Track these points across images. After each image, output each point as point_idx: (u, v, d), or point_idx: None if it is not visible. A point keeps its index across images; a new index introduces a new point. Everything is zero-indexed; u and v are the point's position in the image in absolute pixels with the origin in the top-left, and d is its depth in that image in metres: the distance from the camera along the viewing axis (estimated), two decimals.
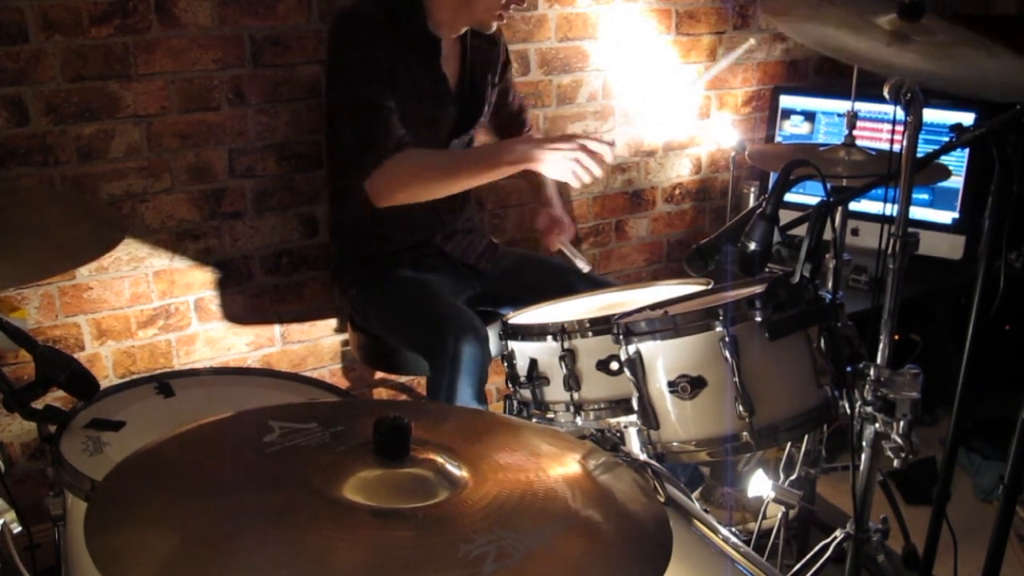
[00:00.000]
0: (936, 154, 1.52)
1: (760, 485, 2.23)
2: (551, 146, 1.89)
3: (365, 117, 1.96)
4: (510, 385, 1.69)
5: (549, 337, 1.57)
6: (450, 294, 2.13)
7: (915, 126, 1.46)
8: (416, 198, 2.00)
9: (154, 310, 2.33)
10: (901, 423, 1.41)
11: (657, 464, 1.42)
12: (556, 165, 1.89)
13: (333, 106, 2.09)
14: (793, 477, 2.08)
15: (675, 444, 1.43)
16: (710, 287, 1.68)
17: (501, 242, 2.40)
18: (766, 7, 1.78)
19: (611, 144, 1.90)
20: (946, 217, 2.80)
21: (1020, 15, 3.39)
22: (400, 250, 2.20)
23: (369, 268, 2.20)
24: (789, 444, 2.17)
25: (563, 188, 2.83)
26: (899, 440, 1.42)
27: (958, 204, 2.77)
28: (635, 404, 1.44)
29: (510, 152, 1.95)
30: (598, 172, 1.89)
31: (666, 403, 1.42)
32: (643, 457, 1.41)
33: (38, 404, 1.36)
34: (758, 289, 1.42)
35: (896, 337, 1.58)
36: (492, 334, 2.01)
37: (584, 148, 1.87)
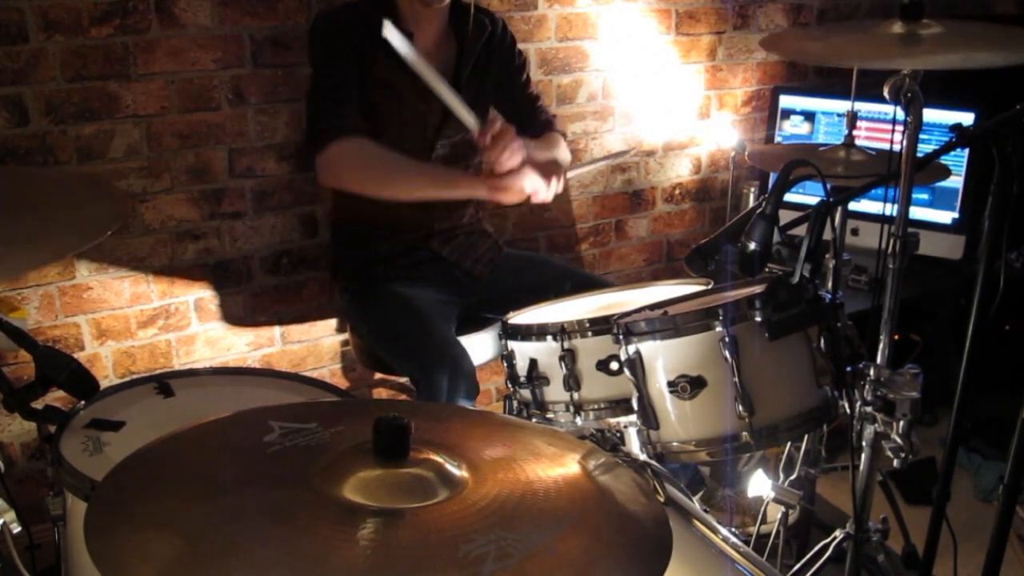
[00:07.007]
0: (936, 154, 1.52)
1: (760, 485, 2.23)
2: (504, 187, 2.00)
3: (327, 99, 2.02)
4: (510, 385, 1.69)
5: (549, 337, 1.57)
6: (443, 317, 2.10)
7: (915, 126, 1.46)
8: (362, 187, 2.04)
9: (154, 310, 2.33)
10: (901, 423, 1.41)
11: (657, 464, 1.42)
12: (509, 198, 2.05)
13: (307, 96, 2.12)
14: (793, 477, 2.08)
15: (675, 444, 1.43)
16: (710, 287, 1.68)
17: (502, 241, 2.38)
18: (764, 44, 1.79)
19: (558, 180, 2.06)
20: (946, 217, 2.80)
21: (1019, 15, 3.39)
22: (393, 255, 2.19)
23: (363, 275, 2.19)
24: (789, 444, 2.17)
25: (565, 189, 2.84)
26: (899, 440, 1.42)
27: (958, 204, 2.77)
28: (635, 404, 1.44)
29: (469, 184, 2.05)
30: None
31: (666, 403, 1.42)
32: (643, 457, 1.41)
33: (38, 404, 1.36)
34: (758, 289, 1.42)
35: (896, 337, 1.58)
36: (491, 337, 2.01)
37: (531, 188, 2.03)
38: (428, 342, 1.99)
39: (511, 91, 2.26)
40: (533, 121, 2.26)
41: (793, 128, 3.00)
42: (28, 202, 1.35)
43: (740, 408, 1.37)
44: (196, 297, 2.37)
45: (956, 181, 2.75)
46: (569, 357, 1.55)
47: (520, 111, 2.24)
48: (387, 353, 2.12)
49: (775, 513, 1.97)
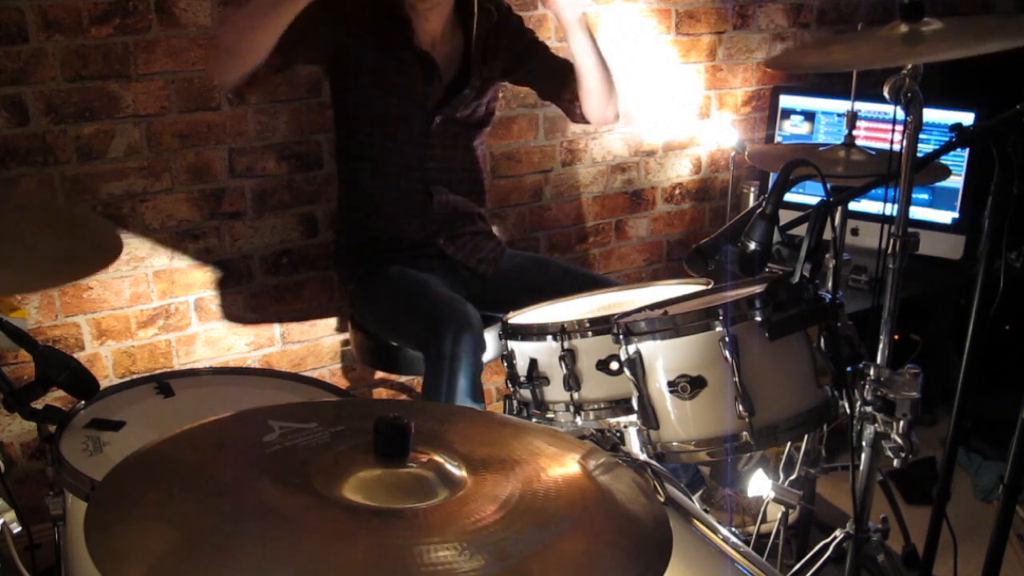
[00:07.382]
0: (936, 154, 1.52)
1: (760, 485, 2.23)
2: None
3: None
4: (510, 385, 1.69)
5: (549, 337, 1.57)
6: (447, 289, 2.12)
7: (915, 126, 1.46)
8: (243, 54, 1.86)
9: (154, 310, 2.33)
10: (901, 423, 1.41)
11: (657, 464, 1.42)
12: None
13: None
14: (793, 477, 2.08)
15: (675, 444, 1.43)
16: (710, 287, 1.68)
17: (503, 239, 2.39)
18: (770, 64, 1.78)
19: None
20: (946, 217, 2.80)
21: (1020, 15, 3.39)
22: (399, 248, 2.20)
23: (367, 261, 2.21)
24: (789, 444, 2.17)
25: (565, 189, 2.84)
26: (899, 440, 1.42)
27: (958, 204, 2.77)
28: (635, 404, 1.44)
29: None
30: None
31: (666, 403, 1.42)
32: (643, 457, 1.41)
33: (38, 404, 1.36)
34: (758, 289, 1.42)
35: (896, 337, 1.58)
36: (492, 336, 2.01)
37: None
38: (434, 300, 2.01)
39: (538, 63, 2.24)
40: (572, 69, 2.19)
41: (793, 128, 3.00)
42: (17, 226, 1.35)
43: (740, 408, 1.37)
44: (196, 297, 2.37)
45: (956, 181, 2.75)
46: (569, 357, 1.54)
47: (556, 71, 2.23)
48: (392, 329, 2.13)
49: (775, 513, 1.97)
